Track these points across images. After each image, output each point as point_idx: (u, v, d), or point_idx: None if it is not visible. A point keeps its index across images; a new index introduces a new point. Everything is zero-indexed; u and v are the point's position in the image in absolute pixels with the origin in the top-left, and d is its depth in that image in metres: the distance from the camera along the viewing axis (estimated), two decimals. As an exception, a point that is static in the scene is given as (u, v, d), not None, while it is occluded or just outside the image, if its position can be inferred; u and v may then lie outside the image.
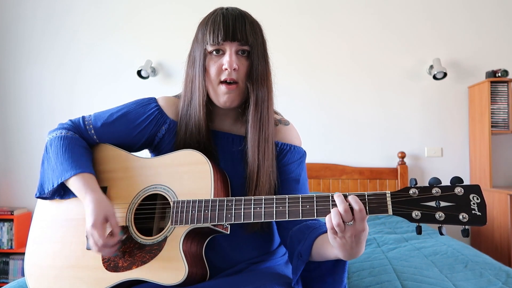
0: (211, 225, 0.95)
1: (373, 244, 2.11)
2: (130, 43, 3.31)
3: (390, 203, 0.82)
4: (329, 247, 0.90)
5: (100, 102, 3.22)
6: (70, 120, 1.13)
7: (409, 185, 0.83)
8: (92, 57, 3.33)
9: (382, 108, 3.21)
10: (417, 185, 0.82)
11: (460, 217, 0.78)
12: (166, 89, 3.14)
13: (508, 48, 3.15)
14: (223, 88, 1.02)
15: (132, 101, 1.14)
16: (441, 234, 0.80)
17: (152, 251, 0.97)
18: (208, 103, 1.06)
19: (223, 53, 1.02)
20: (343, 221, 0.82)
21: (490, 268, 1.61)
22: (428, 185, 0.82)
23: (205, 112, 1.05)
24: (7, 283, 3.10)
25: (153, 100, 1.13)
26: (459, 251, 1.87)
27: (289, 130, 1.15)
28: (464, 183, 0.80)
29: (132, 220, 1.03)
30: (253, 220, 0.91)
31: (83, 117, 1.13)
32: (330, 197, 0.86)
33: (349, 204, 0.82)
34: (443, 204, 0.80)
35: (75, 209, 1.08)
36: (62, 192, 1.09)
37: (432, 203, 0.80)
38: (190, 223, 0.95)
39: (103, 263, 1.00)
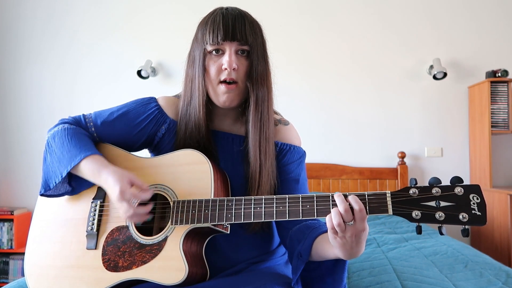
0: (211, 225, 0.95)
1: (373, 244, 2.11)
2: (130, 43, 3.31)
3: (390, 203, 0.83)
4: (329, 246, 0.91)
5: (100, 102, 3.21)
6: (71, 116, 1.13)
7: (409, 185, 0.84)
8: (92, 57, 3.33)
9: (382, 108, 3.20)
10: (417, 185, 0.83)
11: (460, 217, 0.79)
12: (166, 89, 3.14)
13: (508, 48, 3.15)
14: (222, 87, 1.02)
15: (132, 100, 1.15)
16: (441, 234, 0.80)
17: (152, 251, 0.97)
18: (208, 102, 1.06)
19: (223, 53, 1.02)
20: (344, 221, 0.82)
21: (490, 268, 1.61)
22: (428, 185, 0.82)
23: (205, 111, 1.05)
24: (7, 283, 3.10)
25: (153, 100, 1.13)
26: (459, 251, 1.87)
27: (288, 130, 1.15)
28: (464, 183, 0.80)
29: (132, 220, 1.03)
30: (253, 220, 0.91)
31: (84, 115, 1.13)
32: (330, 197, 0.86)
33: (349, 204, 0.83)
34: (443, 204, 0.80)
35: (75, 208, 1.08)
36: (70, 188, 1.07)
37: (432, 203, 0.81)
38: (190, 223, 0.95)
39: (103, 263, 1.00)
